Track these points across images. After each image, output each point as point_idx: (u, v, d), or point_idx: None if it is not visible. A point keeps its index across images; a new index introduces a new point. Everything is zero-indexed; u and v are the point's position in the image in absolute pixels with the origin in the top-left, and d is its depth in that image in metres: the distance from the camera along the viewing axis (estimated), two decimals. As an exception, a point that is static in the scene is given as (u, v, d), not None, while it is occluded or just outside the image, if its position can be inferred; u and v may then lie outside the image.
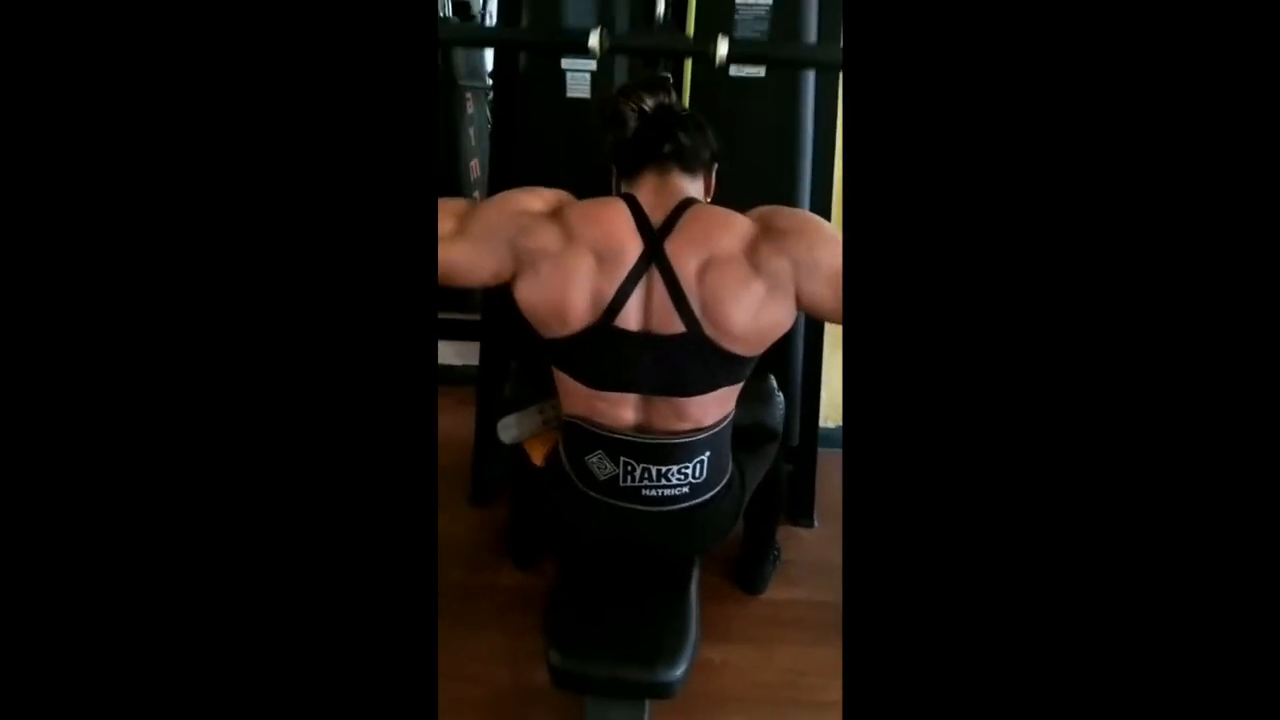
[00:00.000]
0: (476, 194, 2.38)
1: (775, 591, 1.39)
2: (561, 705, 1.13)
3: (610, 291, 0.80)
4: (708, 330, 0.81)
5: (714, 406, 0.87)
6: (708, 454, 0.88)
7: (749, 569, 1.38)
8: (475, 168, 2.35)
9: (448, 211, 0.85)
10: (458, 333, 2.01)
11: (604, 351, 0.83)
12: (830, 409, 1.78)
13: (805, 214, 0.91)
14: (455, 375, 1.97)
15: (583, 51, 0.83)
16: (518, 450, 1.21)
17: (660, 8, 0.99)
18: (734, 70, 1.17)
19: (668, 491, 0.88)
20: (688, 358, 0.82)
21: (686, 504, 0.90)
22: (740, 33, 1.16)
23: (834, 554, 1.50)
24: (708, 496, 0.91)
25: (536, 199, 0.85)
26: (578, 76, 1.18)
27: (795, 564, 1.46)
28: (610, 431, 0.87)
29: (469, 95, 2.26)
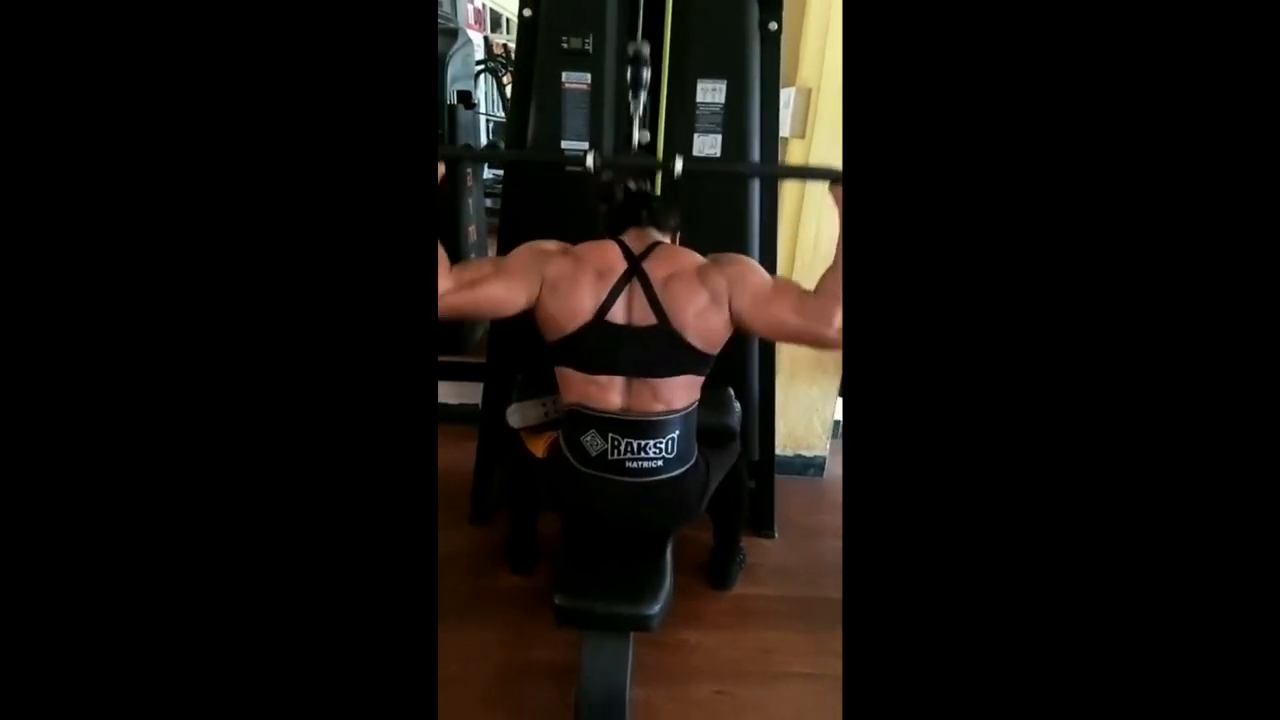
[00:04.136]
0: (473, 255, 2.66)
1: (742, 588, 1.58)
2: (551, 681, 1.30)
3: (604, 295, 1.08)
4: (673, 323, 1.08)
5: (681, 392, 1.12)
6: (677, 433, 1.12)
7: (718, 568, 1.58)
8: (472, 232, 2.64)
9: (483, 262, 1.15)
10: (455, 374, 2.23)
11: (597, 340, 1.09)
12: (787, 439, 2.03)
13: (742, 256, 1.18)
14: (453, 413, 2.18)
15: (580, 166, 1.11)
16: (516, 466, 1.42)
17: (640, 108, 1.29)
18: (696, 151, 1.49)
19: (646, 464, 1.10)
20: (659, 344, 1.08)
21: (661, 476, 1.12)
22: (701, 125, 1.49)
23: (792, 559, 1.71)
24: (678, 472, 1.14)
25: (550, 244, 1.14)
26: (575, 154, 1.49)
27: (759, 567, 1.66)
28: (601, 412, 1.11)
29: (469, 172, 2.58)
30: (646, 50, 1.19)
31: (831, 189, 1.08)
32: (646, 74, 1.21)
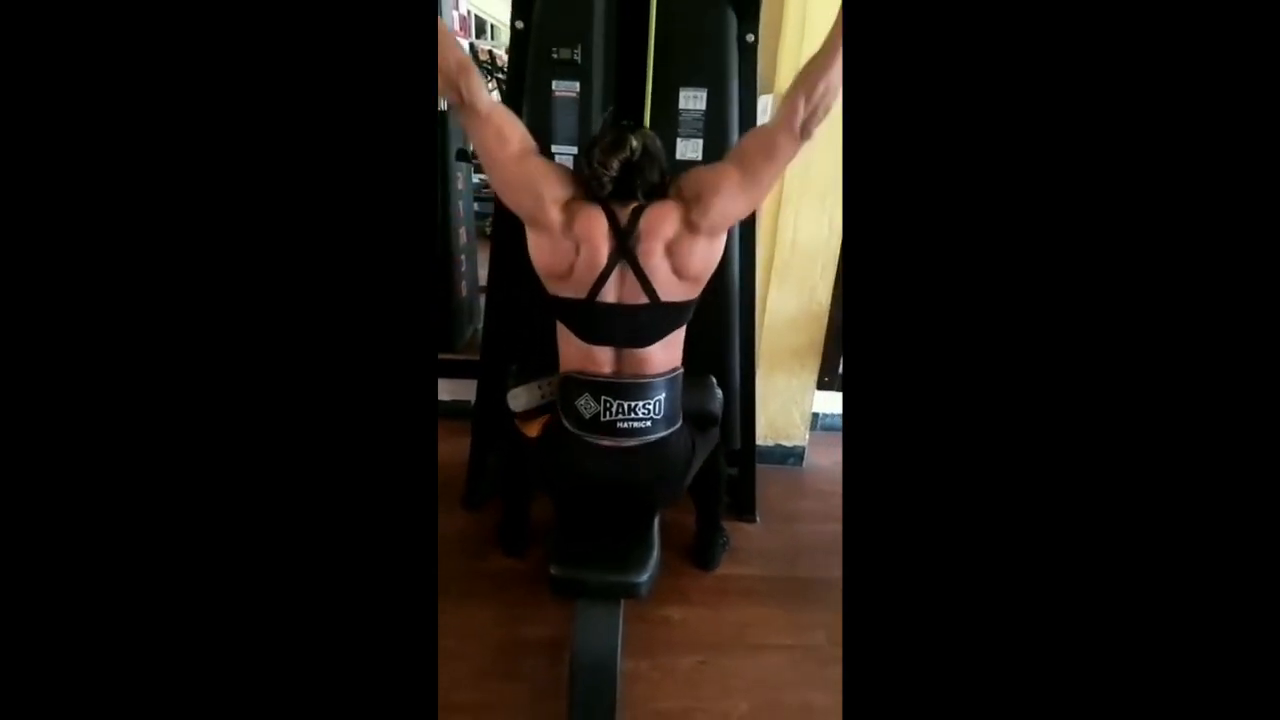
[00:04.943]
0: (463, 257, 2.73)
1: (725, 569, 1.67)
2: (544, 654, 1.38)
3: (591, 280, 1.15)
4: (664, 297, 1.16)
5: (665, 354, 1.21)
6: (663, 395, 1.21)
7: (702, 549, 1.67)
8: (463, 234, 2.71)
9: (523, 137, 1.18)
10: (447, 371, 2.30)
11: (591, 316, 1.18)
12: (768, 430, 2.12)
13: (697, 172, 1.20)
14: (445, 409, 2.25)
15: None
16: (511, 452, 1.50)
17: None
18: (678, 155, 1.58)
19: (636, 424, 1.19)
20: (648, 317, 1.17)
21: (650, 437, 1.21)
22: (683, 130, 1.59)
23: (773, 543, 1.81)
24: (666, 433, 1.22)
25: (565, 188, 1.17)
26: (564, 159, 1.58)
27: (741, 550, 1.75)
28: (594, 377, 1.20)
29: (459, 173, 2.66)
30: None
31: None
32: None
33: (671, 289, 1.18)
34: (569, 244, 1.16)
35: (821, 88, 1.03)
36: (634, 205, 1.19)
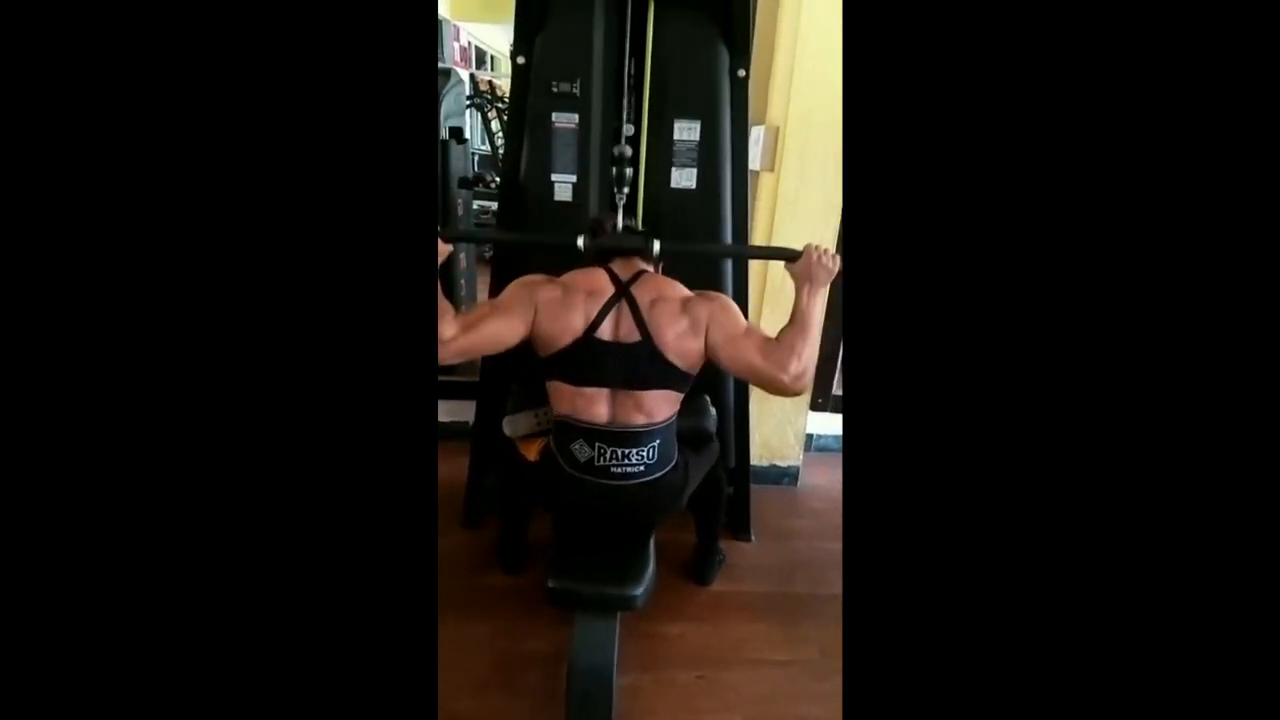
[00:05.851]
0: (463, 281, 2.79)
1: (721, 585, 1.70)
2: (542, 667, 1.40)
3: (594, 313, 1.20)
4: (656, 341, 1.20)
5: (662, 405, 1.24)
6: (658, 442, 1.24)
7: (699, 566, 1.69)
8: (463, 259, 2.77)
9: (480, 306, 1.26)
10: (446, 393, 2.33)
11: (585, 355, 1.21)
12: (762, 450, 2.16)
13: (722, 295, 1.30)
14: (444, 429, 2.28)
15: (574, 251, 1.25)
16: (509, 472, 1.53)
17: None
18: (673, 184, 1.65)
19: (629, 469, 1.23)
20: (642, 359, 1.21)
21: (642, 479, 1.24)
22: (678, 159, 1.66)
23: (767, 560, 1.84)
24: (658, 475, 1.26)
25: (539, 277, 1.26)
26: (563, 186, 1.65)
27: (737, 566, 1.77)
28: (588, 424, 1.23)
29: (460, 200, 2.73)
30: (629, 152, 1.37)
31: (787, 268, 1.22)
32: (629, 172, 1.35)
33: (657, 338, 1.20)
34: (576, 296, 1.21)
35: (808, 355, 1.16)
36: (638, 269, 1.27)
